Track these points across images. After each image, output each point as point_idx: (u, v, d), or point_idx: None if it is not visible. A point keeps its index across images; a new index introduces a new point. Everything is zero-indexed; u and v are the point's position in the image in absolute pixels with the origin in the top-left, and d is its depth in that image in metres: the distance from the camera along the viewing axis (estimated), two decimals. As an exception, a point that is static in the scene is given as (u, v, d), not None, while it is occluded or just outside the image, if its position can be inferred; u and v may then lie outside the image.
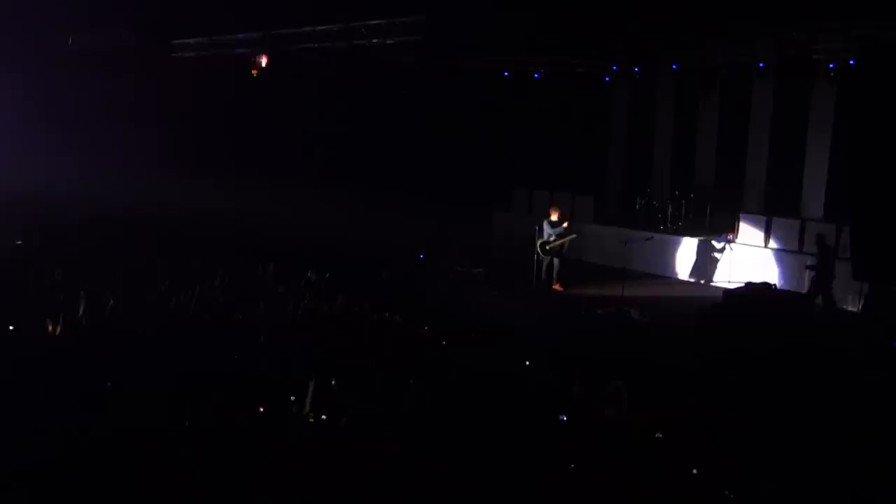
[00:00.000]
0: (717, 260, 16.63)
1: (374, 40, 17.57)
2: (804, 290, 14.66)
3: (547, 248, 15.56)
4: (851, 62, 15.39)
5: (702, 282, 16.66)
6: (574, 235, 15.72)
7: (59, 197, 20.79)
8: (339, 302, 11.83)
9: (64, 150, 23.88)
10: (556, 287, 15.62)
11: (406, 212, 19.35)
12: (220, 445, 6.80)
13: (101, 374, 8.37)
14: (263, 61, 19.29)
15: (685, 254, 17.05)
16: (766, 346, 11.55)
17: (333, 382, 7.80)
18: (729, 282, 15.98)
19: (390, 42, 17.47)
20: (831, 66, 16.06)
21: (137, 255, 15.52)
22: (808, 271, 14.38)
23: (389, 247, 18.07)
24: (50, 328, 10.25)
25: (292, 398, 7.55)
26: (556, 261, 15.62)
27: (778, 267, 15.67)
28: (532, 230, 15.92)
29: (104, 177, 22.16)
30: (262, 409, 7.63)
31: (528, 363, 9.45)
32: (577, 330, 13.43)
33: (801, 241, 15.68)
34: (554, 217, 15.73)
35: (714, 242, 16.69)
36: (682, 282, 16.85)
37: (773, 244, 16.07)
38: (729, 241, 16.63)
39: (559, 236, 15.52)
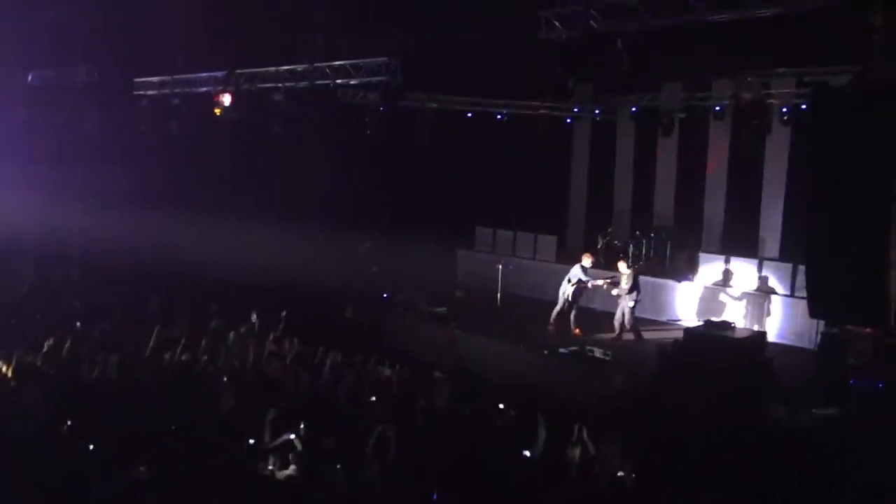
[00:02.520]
0: (677, 299, 16.84)
1: (339, 80, 17.67)
2: (762, 328, 14.92)
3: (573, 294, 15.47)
4: (803, 106, 15.87)
5: (663, 320, 16.81)
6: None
7: (17, 235, 20.43)
8: (299, 344, 11.72)
9: (23, 188, 23.51)
10: (577, 331, 15.41)
11: (369, 250, 19.36)
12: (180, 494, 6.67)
13: (57, 418, 8.18)
14: (227, 100, 19.25)
15: (646, 293, 17.20)
16: (724, 384, 11.69)
17: (293, 437, 7.70)
18: (689, 320, 16.17)
19: (354, 83, 17.59)
20: (784, 109, 16.52)
21: (95, 296, 15.30)
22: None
23: (353, 285, 18.00)
24: (3, 369, 10.03)
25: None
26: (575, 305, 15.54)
27: (737, 305, 15.91)
28: (494, 269, 15.99)
29: (65, 214, 21.84)
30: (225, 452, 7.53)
31: (501, 406, 9.42)
32: (541, 368, 13.48)
33: (759, 280, 15.96)
34: (587, 263, 15.62)
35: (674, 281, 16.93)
36: (644, 320, 16.98)
37: (732, 283, 16.32)
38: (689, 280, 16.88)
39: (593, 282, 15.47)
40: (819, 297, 12.74)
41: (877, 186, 11.76)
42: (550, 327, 15.60)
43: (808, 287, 13.01)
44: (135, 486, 6.89)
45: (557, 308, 15.64)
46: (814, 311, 13.20)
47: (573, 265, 15.73)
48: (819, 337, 13.59)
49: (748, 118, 16.69)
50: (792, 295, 15.30)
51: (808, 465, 8.86)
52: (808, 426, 10.73)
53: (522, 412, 9.37)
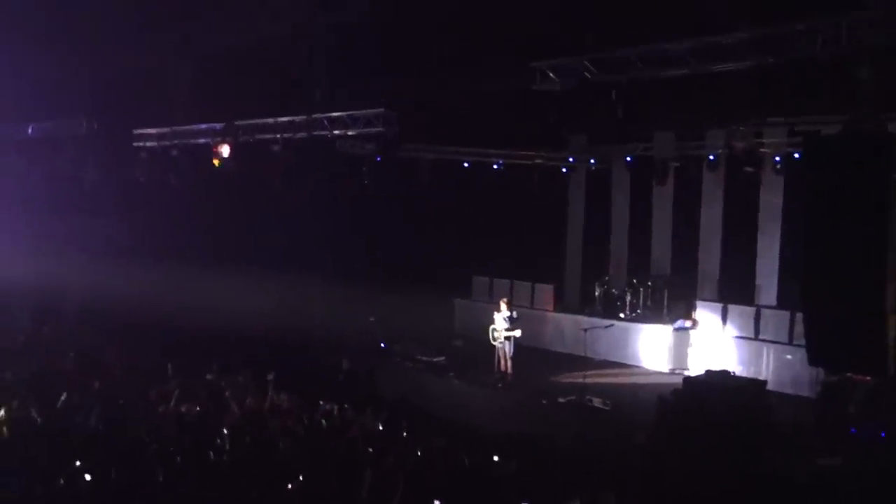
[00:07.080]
0: (675, 347, 16.80)
1: (336, 131, 17.86)
2: (761, 376, 14.85)
3: (495, 335, 15.57)
4: (796, 155, 16.03)
5: (661, 369, 16.75)
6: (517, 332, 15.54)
7: (14, 286, 20.41)
8: (296, 396, 11.65)
9: (21, 239, 23.54)
10: (509, 372, 15.45)
11: (366, 300, 19.34)
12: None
13: (51, 473, 8.10)
14: (226, 151, 19.40)
15: (644, 341, 17.20)
16: (724, 434, 11.59)
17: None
18: (687, 369, 16.11)
19: (351, 134, 17.77)
20: (777, 158, 16.68)
21: (90, 348, 15.20)
22: None
23: (351, 336, 17.96)
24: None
25: None
26: (507, 348, 15.53)
27: (735, 353, 15.88)
28: (491, 319, 15.96)
29: (62, 265, 21.84)
30: None
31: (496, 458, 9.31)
32: (540, 419, 13.38)
33: (756, 328, 15.94)
34: (503, 307, 15.72)
35: (674, 329, 16.91)
36: (642, 369, 16.94)
37: (729, 331, 16.30)
38: (687, 328, 16.85)
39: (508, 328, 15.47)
40: (817, 345, 12.70)
41: (871, 234, 11.81)
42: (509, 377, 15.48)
43: (807, 334, 12.99)
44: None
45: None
46: (812, 359, 13.15)
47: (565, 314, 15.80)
48: (819, 385, 13.52)
49: (741, 167, 16.84)
50: (790, 343, 15.26)
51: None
52: (809, 476, 10.62)
53: (522, 463, 9.29)
